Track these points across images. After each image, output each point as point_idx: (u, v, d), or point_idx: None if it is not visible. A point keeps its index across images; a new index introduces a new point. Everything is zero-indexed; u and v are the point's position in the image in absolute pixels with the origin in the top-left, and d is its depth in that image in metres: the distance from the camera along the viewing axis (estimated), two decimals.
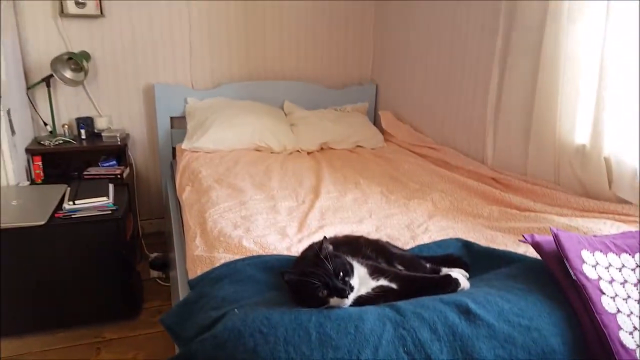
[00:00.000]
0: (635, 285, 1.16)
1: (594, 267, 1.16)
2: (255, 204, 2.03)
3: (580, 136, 1.94)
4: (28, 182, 2.67)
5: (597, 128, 1.82)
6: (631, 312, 1.11)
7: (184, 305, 1.33)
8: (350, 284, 1.07)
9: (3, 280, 2.16)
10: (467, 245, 1.56)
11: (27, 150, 2.77)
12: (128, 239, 2.48)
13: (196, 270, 1.52)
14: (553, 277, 1.19)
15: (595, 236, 1.30)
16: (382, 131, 3.33)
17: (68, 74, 2.86)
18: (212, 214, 1.92)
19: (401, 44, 3.26)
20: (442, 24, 2.80)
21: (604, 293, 1.11)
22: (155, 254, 2.90)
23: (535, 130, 2.08)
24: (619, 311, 1.10)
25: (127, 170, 2.99)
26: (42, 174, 2.80)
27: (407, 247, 1.58)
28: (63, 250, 2.22)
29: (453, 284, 1.17)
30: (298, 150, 3.06)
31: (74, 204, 2.26)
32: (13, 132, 2.55)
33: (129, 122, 3.24)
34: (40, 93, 2.96)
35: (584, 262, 1.15)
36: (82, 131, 3.00)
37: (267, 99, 3.34)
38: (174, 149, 3.23)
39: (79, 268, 2.26)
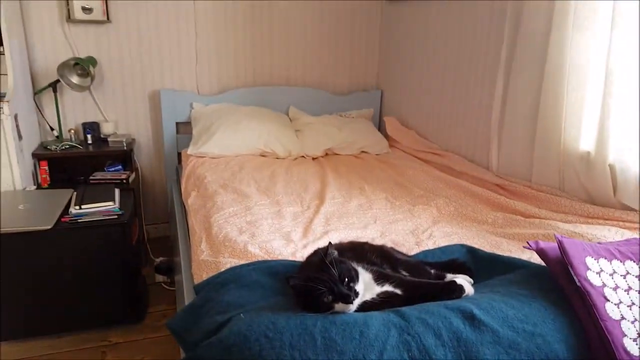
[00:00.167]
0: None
1: (599, 274, 1.16)
2: (261, 209, 2.05)
3: (585, 143, 1.94)
4: (34, 187, 2.69)
5: (602, 135, 1.82)
6: (635, 319, 1.11)
7: (189, 310, 1.33)
8: (355, 290, 1.08)
9: (10, 284, 2.18)
10: (471, 251, 1.56)
11: (34, 155, 2.79)
12: (134, 244, 2.49)
13: (202, 275, 1.53)
14: (557, 284, 1.19)
15: (599, 243, 1.30)
16: (387, 137, 3.33)
17: (74, 79, 2.89)
18: (217, 219, 1.93)
19: (407, 50, 3.28)
20: (447, 31, 2.81)
21: (608, 300, 1.11)
22: (160, 259, 2.91)
23: (540, 137, 2.08)
24: (623, 318, 1.10)
25: (133, 175, 3.01)
26: (48, 178, 2.81)
27: (412, 253, 1.58)
28: (69, 254, 2.24)
29: (457, 290, 1.17)
30: (303, 156, 3.07)
31: (80, 208, 2.28)
32: (20, 136, 2.58)
33: (134, 127, 3.26)
34: (47, 98, 2.99)
35: (588, 268, 1.16)
36: (89, 136, 3.03)
37: (273, 105, 3.35)
38: (179, 154, 3.25)
39: (84, 272, 2.28)
